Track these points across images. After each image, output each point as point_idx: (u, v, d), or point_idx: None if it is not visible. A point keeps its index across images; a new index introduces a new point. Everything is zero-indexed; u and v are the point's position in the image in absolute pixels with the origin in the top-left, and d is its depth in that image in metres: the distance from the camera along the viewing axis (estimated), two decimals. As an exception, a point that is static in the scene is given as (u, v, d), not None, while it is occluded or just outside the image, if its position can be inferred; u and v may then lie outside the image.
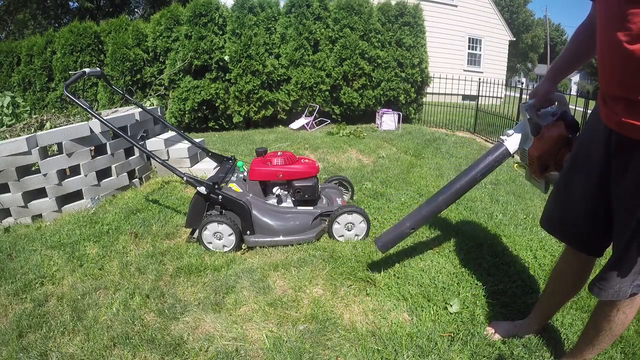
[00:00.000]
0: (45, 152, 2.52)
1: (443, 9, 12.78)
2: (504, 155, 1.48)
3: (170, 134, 3.55)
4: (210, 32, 5.96)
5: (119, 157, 2.95)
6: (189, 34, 5.93)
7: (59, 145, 2.58)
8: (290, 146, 4.52)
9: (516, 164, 4.11)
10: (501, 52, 14.93)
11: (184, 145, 3.33)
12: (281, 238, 2.07)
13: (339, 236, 2.13)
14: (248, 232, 2.05)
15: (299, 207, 2.20)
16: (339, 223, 2.10)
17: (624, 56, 0.85)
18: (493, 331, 1.42)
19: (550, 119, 1.33)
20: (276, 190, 2.24)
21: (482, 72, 13.11)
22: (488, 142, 5.49)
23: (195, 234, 2.13)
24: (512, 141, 1.47)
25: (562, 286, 1.31)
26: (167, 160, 3.32)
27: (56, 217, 2.57)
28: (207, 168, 3.34)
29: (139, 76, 6.13)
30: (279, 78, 6.30)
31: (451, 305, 1.55)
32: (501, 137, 1.51)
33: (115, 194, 2.90)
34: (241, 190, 2.17)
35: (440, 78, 7.19)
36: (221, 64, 6.04)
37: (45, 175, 2.49)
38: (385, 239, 1.63)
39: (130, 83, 6.06)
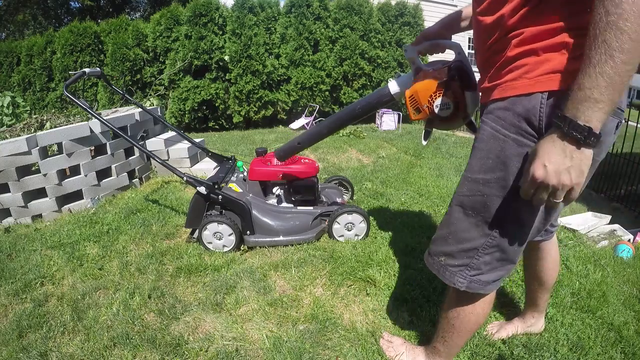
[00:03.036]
0: (45, 152, 2.52)
1: (443, 9, 12.78)
2: (385, 94, 1.46)
3: (170, 134, 3.55)
4: (210, 32, 5.96)
5: (119, 157, 2.95)
6: (189, 34, 5.93)
7: (59, 145, 2.58)
8: (290, 146, 4.51)
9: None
10: (501, 52, 14.92)
11: (184, 145, 3.33)
12: (281, 238, 2.07)
13: (339, 236, 2.13)
14: (248, 232, 2.05)
15: (299, 207, 2.20)
16: (339, 223, 2.10)
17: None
18: (494, 331, 1.42)
19: (439, 66, 1.24)
20: (276, 190, 2.24)
21: (482, 72, 13.10)
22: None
23: (195, 234, 2.13)
24: (396, 83, 1.43)
25: (529, 274, 1.36)
26: (167, 160, 3.32)
27: (56, 217, 2.57)
28: (207, 168, 3.34)
29: (139, 76, 6.13)
30: (279, 78, 6.30)
31: (451, 305, 1.55)
32: (389, 79, 1.51)
33: (115, 194, 2.90)
34: (241, 190, 2.17)
35: (440, 78, 7.18)
36: (221, 64, 6.04)
37: (45, 175, 2.49)
38: (282, 150, 1.94)
39: (130, 83, 6.07)
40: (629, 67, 0.66)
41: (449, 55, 1.24)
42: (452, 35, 1.30)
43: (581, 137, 0.70)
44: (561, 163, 0.72)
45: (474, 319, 1.05)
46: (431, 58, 1.43)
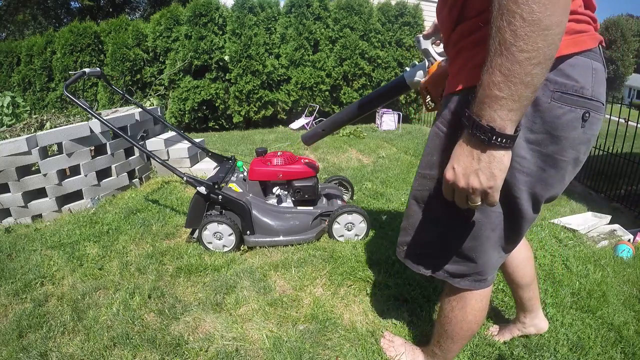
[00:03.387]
0: (45, 152, 2.52)
1: (443, 9, 12.78)
2: (400, 83, 1.53)
3: (170, 134, 3.55)
4: (210, 32, 5.96)
5: (119, 157, 2.95)
6: (189, 34, 5.93)
7: (59, 145, 2.58)
8: (290, 146, 4.53)
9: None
10: (501, 52, 14.88)
11: (184, 145, 3.33)
12: (281, 238, 2.07)
13: (339, 236, 2.13)
14: (248, 232, 2.05)
15: (299, 207, 2.20)
16: (339, 223, 2.10)
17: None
18: (495, 331, 1.42)
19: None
20: (276, 190, 2.24)
21: (482, 72, 13.07)
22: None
23: (195, 234, 2.13)
24: (411, 72, 1.47)
25: (506, 277, 1.34)
26: (167, 160, 3.32)
27: (56, 217, 2.57)
28: (207, 168, 3.34)
29: (139, 76, 6.13)
30: (279, 78, 6.30)
31: (451, 305, 1.55)
32: (405, 68, 1.55)
33: (115, 194, 2.90)
34: (241, 190, 2.17)
35: (440, 78, 7.18)
36: (221, 64, 6.04)
37: (45, 175, 2.49)
38: (307, 136, 2.05)
39: (130, 83, 6.06)
40: (529, 54, 0.57)
41: None
42: None
43: (485, 137, 0.64)
44: (468, 166, 0.68)
45: (466, 326, 1.05)
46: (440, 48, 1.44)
